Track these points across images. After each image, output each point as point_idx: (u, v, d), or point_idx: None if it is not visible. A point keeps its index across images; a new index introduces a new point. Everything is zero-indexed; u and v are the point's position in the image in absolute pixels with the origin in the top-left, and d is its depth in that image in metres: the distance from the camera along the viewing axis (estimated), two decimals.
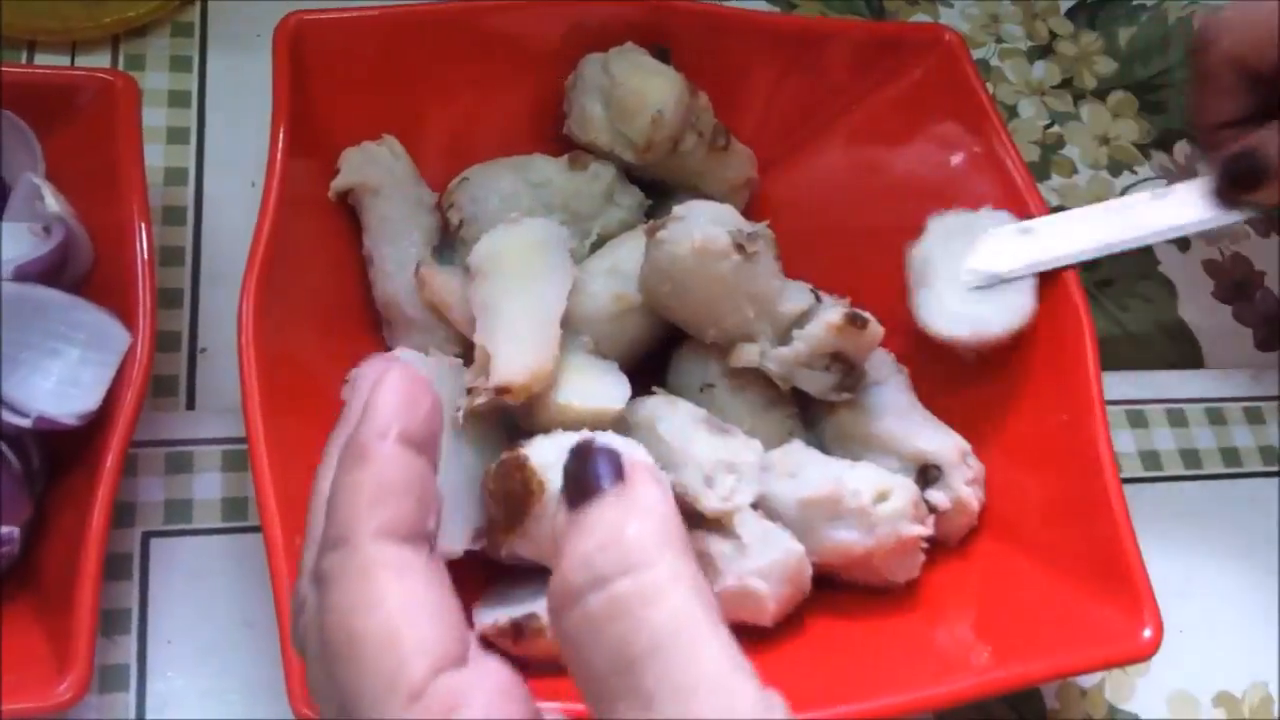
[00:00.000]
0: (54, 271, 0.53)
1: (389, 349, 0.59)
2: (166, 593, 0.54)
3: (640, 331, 0.59)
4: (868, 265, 0.63)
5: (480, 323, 0.54)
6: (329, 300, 0.58)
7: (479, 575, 0.53)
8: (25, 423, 0.49)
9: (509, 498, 0.50)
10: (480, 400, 0.52)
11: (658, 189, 0.64)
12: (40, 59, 0.67)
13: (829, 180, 0.68)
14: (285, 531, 0.47)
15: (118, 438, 0.49)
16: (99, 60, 0.68)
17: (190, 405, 0.59)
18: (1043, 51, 0.80)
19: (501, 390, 0.52)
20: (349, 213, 0.60)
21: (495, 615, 0.50)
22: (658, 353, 0.60)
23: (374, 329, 0.60)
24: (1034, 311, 0.58)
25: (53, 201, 0.53)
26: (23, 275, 0.52)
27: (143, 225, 0.54)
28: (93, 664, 0.45)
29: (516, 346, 0.53)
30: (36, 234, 0.53)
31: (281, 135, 0.55)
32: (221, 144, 0.66)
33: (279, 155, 0.55)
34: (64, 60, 0.67)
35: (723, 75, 0.66)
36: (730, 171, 0.65)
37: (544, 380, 0.53)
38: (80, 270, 0.54)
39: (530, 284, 0.55)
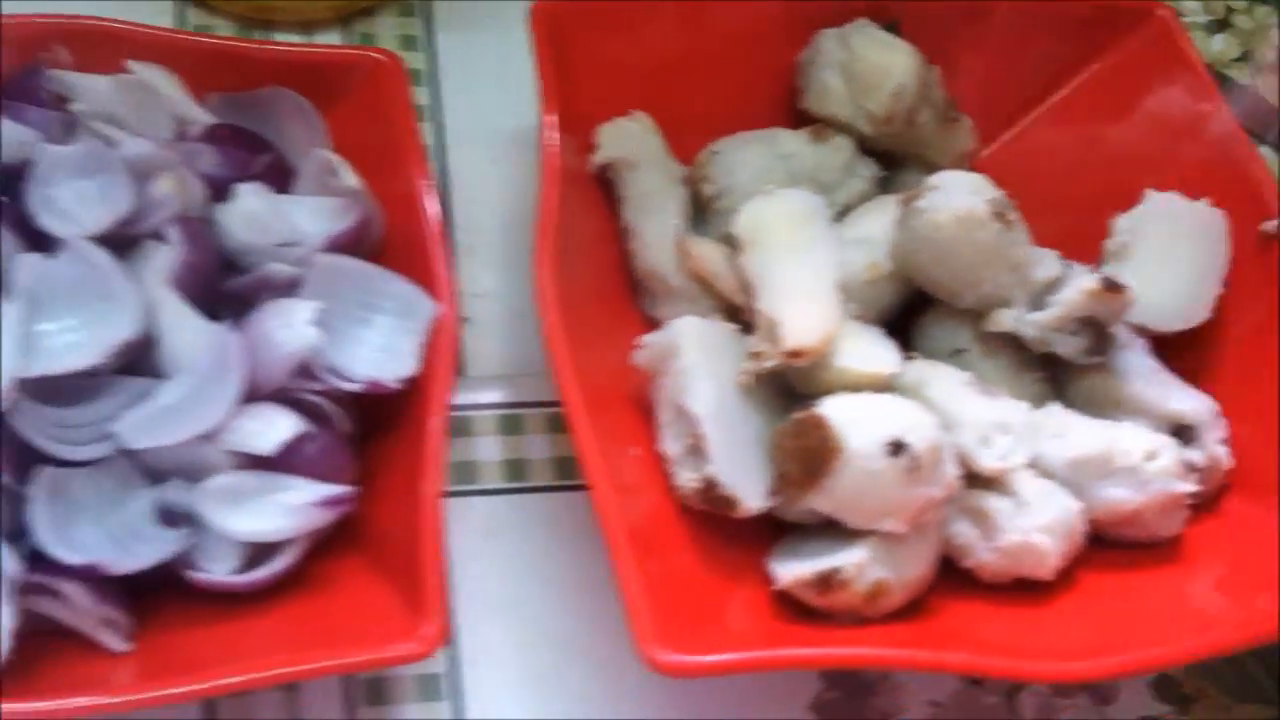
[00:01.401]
0: (355, 244, 0.55)
1: (649, 318, 0.61)
2: (462, 552, 0.56)
3: (889, 299, 0.61)
4: (1079, 239, 0.65)
5: (760, 291, 0.56)
6: (598, 269, 0.60)
7: (763, 530, 0.55)
8: (356, 387, 0.51)
9: (807, 454, 0.52)
10: (769, 364, 0.54)
11: (887, 160, 0.66)
12: (279, 37, 0.69)
13: (1044, 152, 0.70)
14: (608, 486, 0.50)
15: (438, 400, 0.51)
16: (331, 38, 0.70)
17: (460, 373, 0.61)
18: (1219, 26, 0.82)
19: (794, 354, 0.54)
20: (605, 186, 0.62)
21: (795, 569, 0.52)
22: (896, 321, 0.62)
23: (632, 297, 0.62)
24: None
25: (348, 176, 0.55)
26: (332, 247, 0.54)
27: (429, 197, 0.56)
28: (447, 616, 0.47)
29: (804, 312, 0.55)
30: (337, 208, 0.55)
31: (551, 115, 0.57)
32: (460, 121, 0.68)
33: (552, 133, 0.57)
34: (298, 38, 0.69)
35: (944, 50, 0.67)
36: (956, 143, 0.67)
37: (830, 343, 0.55)
38: (372, 243, 0.56)
39: (802, 252, 0.57)
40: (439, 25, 0.71)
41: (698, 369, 0.54)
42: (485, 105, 0.67)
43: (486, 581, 0.55)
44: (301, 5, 0.69)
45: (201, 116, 0.57)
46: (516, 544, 0.57)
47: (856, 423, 0.52)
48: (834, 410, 0.52)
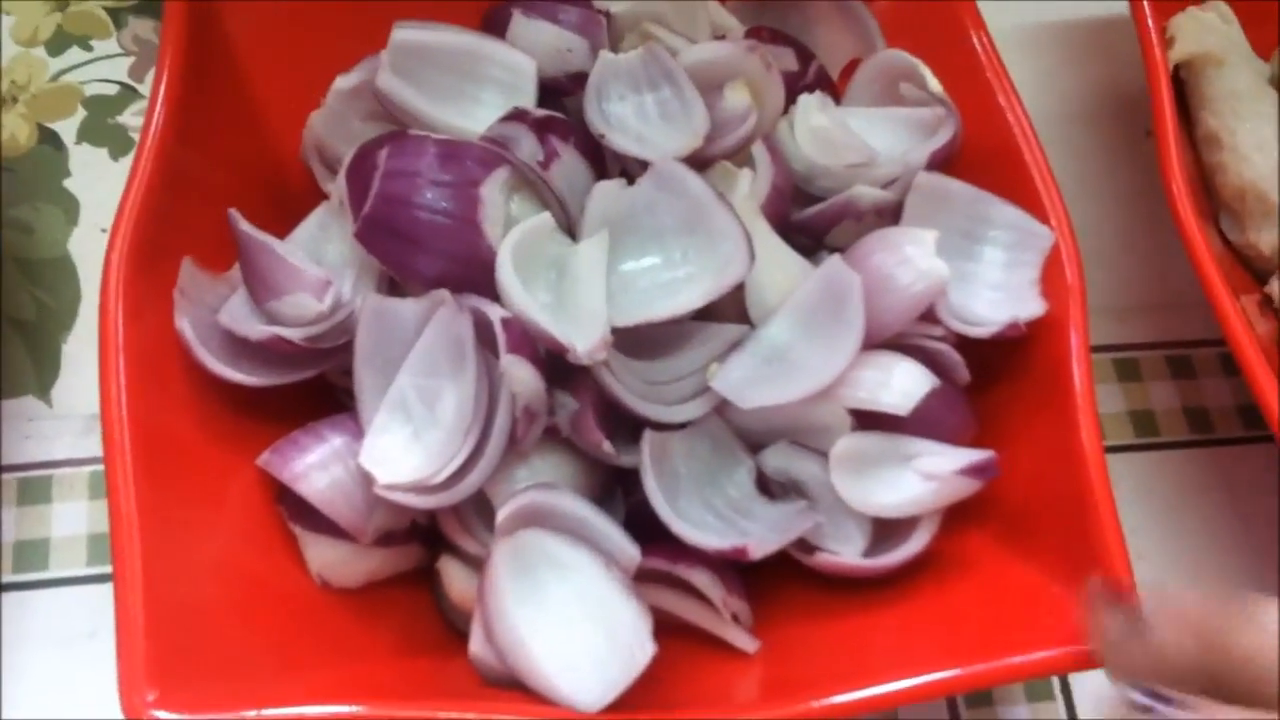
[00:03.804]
0: (946, 164, 0.46)
1: (1230, 241, 0.51)
2: None
3: None
4: None
5: None
6: None
7: None
8: (987, 331, 0.43)
9: None
10: None
11: None
12: None
13: None
14: None
15: (1078, 343, 0.42)
16: None
17: None
18: None
19: None
20: None
21: None
22: None
23: None
24: None
25: (934, 83, 0.46)
26: (932, 164, 0.45)
27: (1015, 104, 0.46)
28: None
29: None
30: (920, 121, 0.46)
31: None
32: None
33: None
34: None
35: None
36: None
37: None
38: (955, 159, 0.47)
39: None
40: None
41: None
42: None
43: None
44: None
45: (732, 20, 0.48)
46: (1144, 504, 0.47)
47: None
48: None
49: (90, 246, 0.50)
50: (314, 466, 0.38)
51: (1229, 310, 0.44)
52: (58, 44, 0.54)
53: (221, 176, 0.44)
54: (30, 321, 0.49)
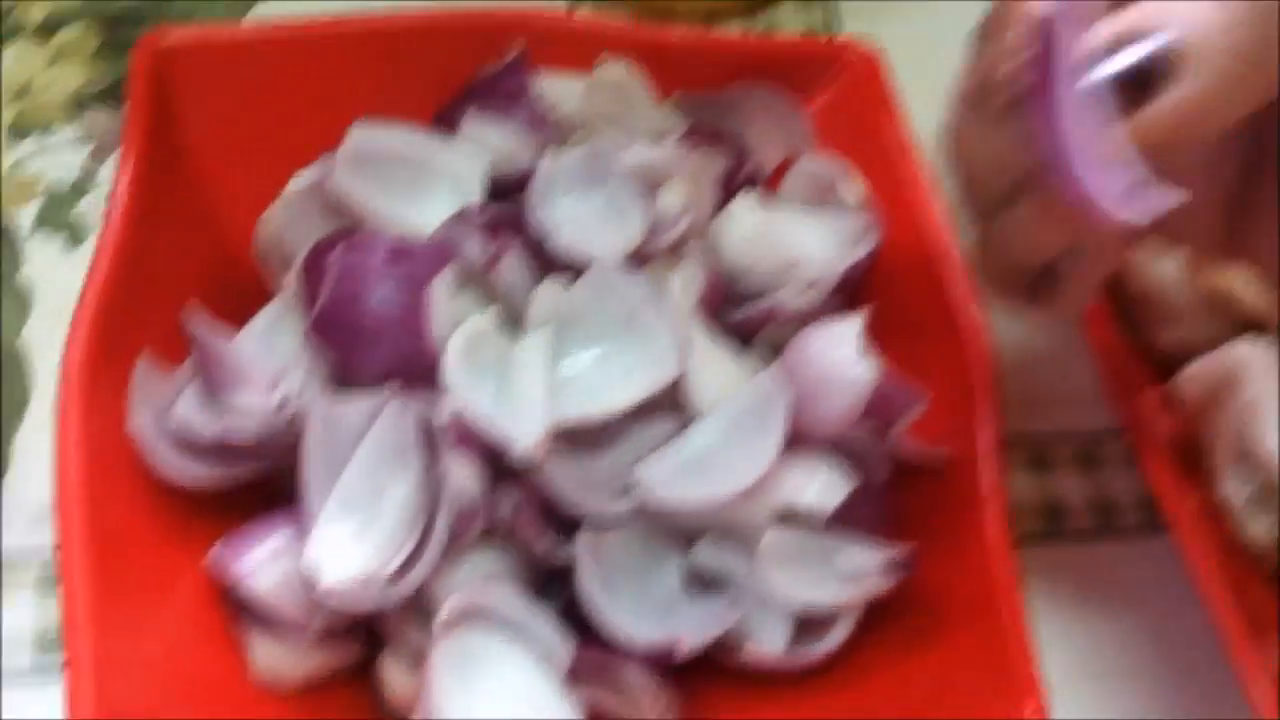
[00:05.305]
0: (872, 266, 0.48)
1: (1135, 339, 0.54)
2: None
3: None
4: None
5: None
6: None
7: None
8: (902, 428, 0.45)
9: None
10: None
11: None
12: None
13: None
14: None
15: (984, 437, 0.45)
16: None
17: None
18: None
19: None
20: None
21: None
22: None
23: None
24: None
25: (855, 188, 0.49)
26: (850, 275, 0.47)
27: (939, 212, 0.49)
28: (1044, 695, 0.40)
29: None
30: (846, 226, 0.49)
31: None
32: None
33: None
34: None
35: None
36: None
37: None
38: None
39: None
40: (844, 15, 0.65)
41: (1267, 401, 0.47)
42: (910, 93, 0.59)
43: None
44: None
45: (671, 120, 0.51)
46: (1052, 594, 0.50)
47: None
48: None
49: (45, 336, 0.51)
50: (261, 564, 0.40)
51: (1129, 407, 0.46)
52: (17, 131, 0.55)
53: (178, 270, 0.45)
54: None
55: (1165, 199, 0.27)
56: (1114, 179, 0.27)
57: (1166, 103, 0.28)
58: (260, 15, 0.58)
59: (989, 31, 0.34)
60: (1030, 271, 0.39)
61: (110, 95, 0.56)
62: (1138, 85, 0.28)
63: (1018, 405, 0.54)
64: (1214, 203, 0.37)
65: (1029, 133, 0.31)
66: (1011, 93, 0.32)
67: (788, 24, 0.64)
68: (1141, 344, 0.54)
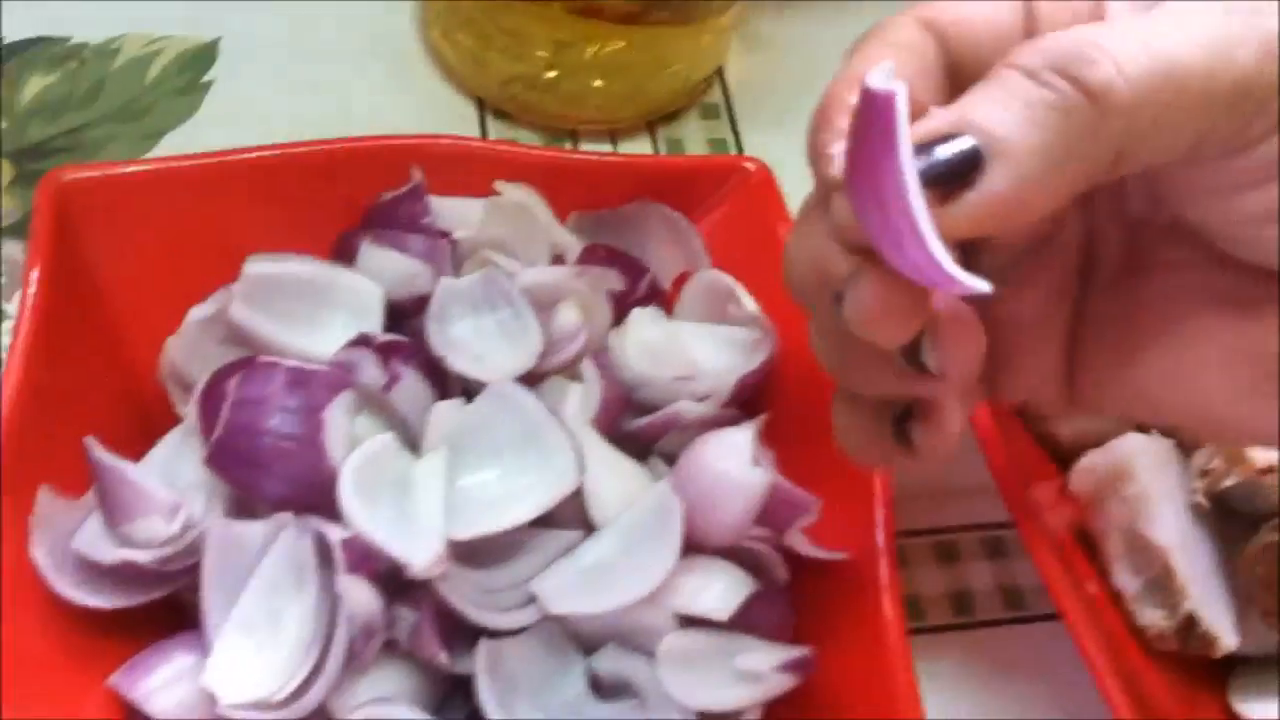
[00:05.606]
0: (763, 382, 0.50)
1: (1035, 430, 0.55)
2: None
3: None
4: None
5: None
6: None
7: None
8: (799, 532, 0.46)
9: None
10: (1228, 482, 0.49)
11: None
12: (585, 147, 0.64)
13: None
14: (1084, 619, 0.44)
15: (884, 539, 0.46)
16: (640, 146, 0.65)
17: None
18: None
19: (1265, 470, 0.48)
20: None
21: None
22: None
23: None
24: None
25: (750, 304, 0.50)
26: (743, 387, 0.49)
27: None
28: None
29: None
30: (741, 339, 0.50)
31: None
32: None
33: None
34: (606, 146, 0.65)
35: None
36: None
37: None
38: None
39: None
40: (745, 127, 0.67)
41: (1157, 493, 0.49)
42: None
43: None
44: (611, 116, 0.65)
45: (570, 238, 0.52)
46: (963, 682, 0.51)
47: None
48: None
49: None
50: (161, 686, 0.40)
51: (1017, 502, 0.48)
52: None
53: (85, 398, 0.46)
54: None
55: (975, 285, 0.27)
56: (930, 255, 0.27)
57: (972, 196, 0.28)
58: (171, 146, 0.60)
59: (819, 123, 0.32)
60: (882, 412, 0.37)
61: (23, 229, 0.57)
62: (957, 174, 0.29)
63: (926, 499, 0.56)
64: (1047, 356, 0.37)
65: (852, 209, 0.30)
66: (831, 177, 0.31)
67: (692, 137, 0.66)
68: (1045, 436, 0.55)
